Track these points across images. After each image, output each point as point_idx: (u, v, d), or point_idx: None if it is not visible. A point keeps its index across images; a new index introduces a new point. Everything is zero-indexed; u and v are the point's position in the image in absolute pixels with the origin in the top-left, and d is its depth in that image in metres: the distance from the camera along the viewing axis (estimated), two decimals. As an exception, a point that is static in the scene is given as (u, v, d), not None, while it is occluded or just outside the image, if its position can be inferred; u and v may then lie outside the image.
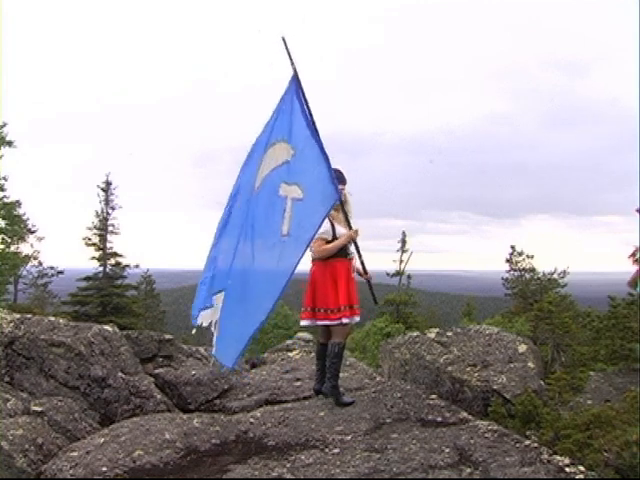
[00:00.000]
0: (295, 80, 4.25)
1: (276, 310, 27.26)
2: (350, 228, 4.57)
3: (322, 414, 4.35)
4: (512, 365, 6.11)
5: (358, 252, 4.55)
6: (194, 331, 4.25)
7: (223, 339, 4.10)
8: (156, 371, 5.97)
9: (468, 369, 6.05)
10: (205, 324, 4.12)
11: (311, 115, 4.25)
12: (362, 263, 4.58)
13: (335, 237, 4.45)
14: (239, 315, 4.08)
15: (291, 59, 4.23)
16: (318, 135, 4.22)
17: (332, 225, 4.46)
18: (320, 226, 4.16)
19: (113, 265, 22.16)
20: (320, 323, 4.50)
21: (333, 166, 4.58)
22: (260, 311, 4.07)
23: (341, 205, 4.53)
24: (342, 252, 4.47)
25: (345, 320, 4.40)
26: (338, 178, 4.56)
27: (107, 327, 5.81)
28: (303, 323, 4.60)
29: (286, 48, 4.21)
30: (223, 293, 4.12)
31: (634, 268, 4.97)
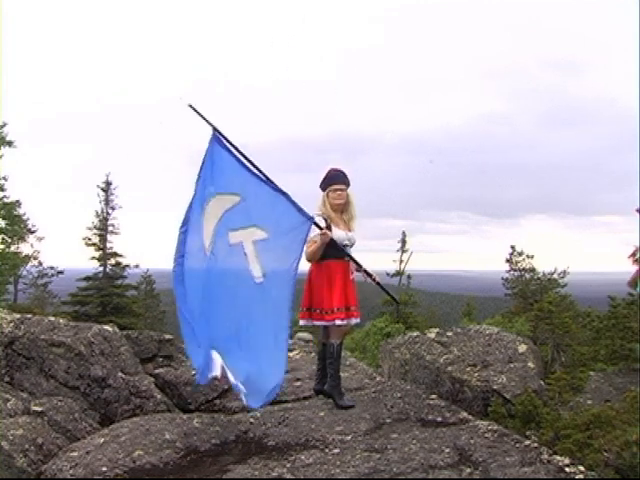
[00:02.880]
0: (216, 137, 4.12)
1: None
2: (350, 230, 4.59)
3: (322, 414, 4.35)
4: (512, 365, 6.11)
5: (350, 257, 4.52)
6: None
7: (251, 383, 3.98)
8: (156, 371, 5.97)
9: (468, 369, 6.06)
10: (218, 374, 4.02)
11: (247, 159, 4.13)
12: (360, 266, 4.57)
13: (332, 239, 4.45)
14: (252, 361, 3.98)
15: (207, 121, 4.13)
16: (263, 174, 4.11)
17: (329, 227, 4.46)
18: (300, 254, 4.06)
19: (113, 265, 22.14)
20: (316, 323, 4.51)
21: (332, 166, 4.59)
22: (279, 350, 3.96)
23: (343, 207, 4.56)
24: (338, 253, 4.46)
25: (338, 322, 4.40)
26: (339, 178, 4.57)
27: (107, 327, 5.81)
28: (301, 322, 4.62)
29: (198, 114, 4.11)
30: (214, 351, 4.00)
31: (634, 268, 4.98)
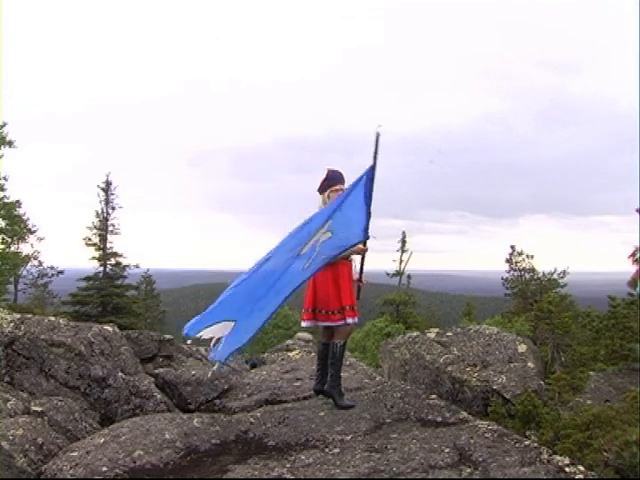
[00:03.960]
0: (368, 175, 4.32)
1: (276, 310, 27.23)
2: None
3: (322, 414, 4.35)
4: (512, 365, 6.12)
5: (362, 262, 4.59)
6: (189, 341, 4.23)
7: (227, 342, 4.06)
8: (156, 371, 5.97)
9: (468, 369, 6.06)
10: (205, 337, 4.06)
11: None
12: (361, 270, 4.59)
13: None
14: (243, 320, 4.06)
15: (375, 157, 4.32)
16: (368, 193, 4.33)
17: None
18: (342, 250, 4.26)
19: (113, 265, 22.16)
20: (322, 324, 4.51)
21: (329, 167, 4.62)
22: (268, 307, 4.10)
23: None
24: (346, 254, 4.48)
25: (349, 320, 4.42)
26: (340, 178, 4.58)
27: (107, 327, 5.82)
28: (304, 324, 4.60)
29: (376, 146, 4.32)
30: (233, 322, 4.06)
31: (634, 268, 4.98)
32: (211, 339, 4.03)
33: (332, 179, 4.58)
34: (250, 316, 4.07)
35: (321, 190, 4.61)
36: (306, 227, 4.24)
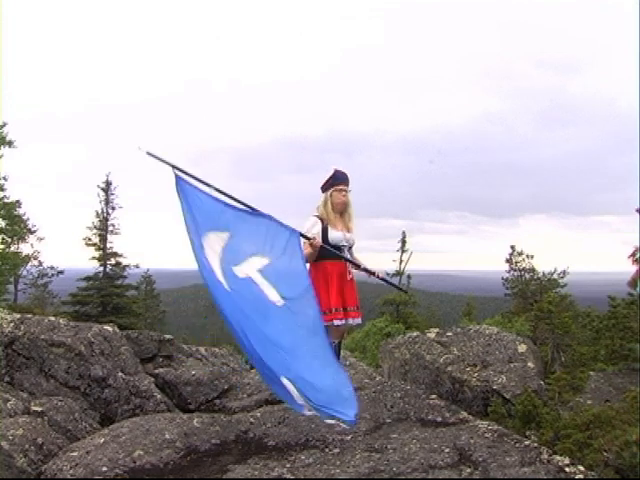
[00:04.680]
0: (179, 179, 4.01)
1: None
2: (348, 231, 4.60)
3: (322, 414, 4.35)
4: (512, 365, 6.12)
5: (345, 258, 4.52)
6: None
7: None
8: (156, 371, 5.97)
9: (468, 369, 6.06)
10: (308, 413, 3.85)
11: (218, 190, 4.10)
12: (358, 266, 4.57)
13: (327, 240, 4.46)
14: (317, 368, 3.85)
15: (166, 162, 4.02)
16: (238, 201, 4.13)
17: (325, 229, 4.46)
18: (305, 264, 4.13)
19: (113, 265, 22.14)
20: None
21: (335, 167, 4.61)
22: (330, 366, 3.89)
23: (344, 207, 4.57)
24: (333, 253, 4.46)
25: (337, 322, 4.41)
26: (344, 178, 4.59)
27: (107, 327, 5.82)
28: None
29: (157, 158, 4.01)
30: (286, 379, 3.77)
31: (634, 268, 4.98)
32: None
33: (336, 179, 4.59)
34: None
35: (324, 189, 4.62)
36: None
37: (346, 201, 4.60)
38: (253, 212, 4.17)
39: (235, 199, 4.16)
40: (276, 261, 4.08)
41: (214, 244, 4.03)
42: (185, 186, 4.02)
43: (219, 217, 4.10)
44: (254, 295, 3.98)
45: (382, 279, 4.68)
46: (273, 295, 3.99)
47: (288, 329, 3.94)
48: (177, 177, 4.01)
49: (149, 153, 3.98)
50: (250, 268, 4.05)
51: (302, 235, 4.30)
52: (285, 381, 3.72)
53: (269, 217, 4.17)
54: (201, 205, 4.05)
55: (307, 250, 4.38)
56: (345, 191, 4.58)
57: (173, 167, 4.01)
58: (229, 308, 3.79)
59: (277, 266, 4.07)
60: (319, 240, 4.40)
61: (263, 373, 3.93)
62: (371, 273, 4.60)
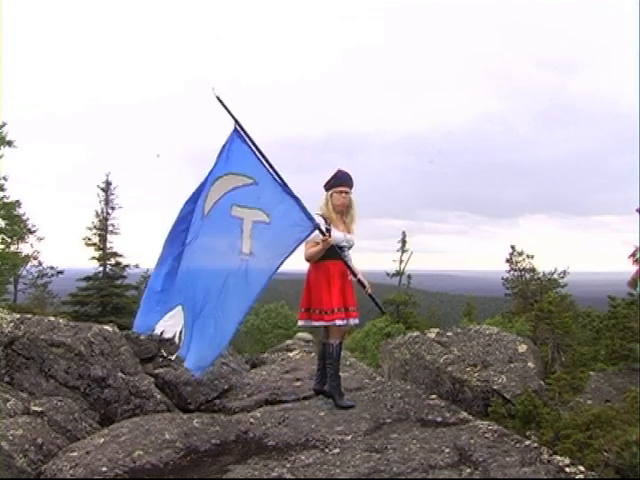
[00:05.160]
0: (237, 132, 4.18)
1: (276, 310, 27.26)
2: (349, 232, 4.59)
3: (322, 414, 4.35)
4: (512, 365, 6.12)
5: (345, 263, 4.49)
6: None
7: (197, 346, 4.07)
8: (156, 371, 5.97)
9: (468, 369, 6.06)
10: (168, 335, 4.13)
11: (266, 159, 4.20)
12: (355, 275, 4.53)
13: None
14: (210, 326, 4.07)
15: (231, 114, 4.16)
16: (279, 176, 4.19)
17: (328, 229, 4.45)
18: (292, 250, 4.13)
19: (113, 265, 22.15)
20: (315, 324, 4.51)
21: (339, 168, 4.60)
22: (231, 324, 4.08)
23: (344, 209, 4.56)
24: (336, 254, 4.44)
25: (339, 322, 4.40)
26: (346, 180, 4.56)
27: (107, 327, 5.81)
28: (299, 323, 4.63)
29: (224, 106, 4.13)
30: (181, 307, 4.09)
31: (634, 268, 4.98)
32: (171, 336, 4.11)
33: (339, 179, 4.56)
34: (208, 320, 4.06)
35: (326, 188, 4.60)
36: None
37: (346, 202, 4.57)
38: (287, 189, 4.20)
39: (276, 172, 4.20)
40: (274, 227, 4.14)
41: (226, 183, 4.17)
42: (236, 138, 4.19)
43: (252, 166, 4.20)
44: (228, 234, 4.14)
45: (369, 295, 4.65)
46: (245, 246, 4.12)
47: (229, 279, 4.11)
48: (235, 130, 4.19)
49: (218, 98, 4.10)
50: (249, 215, 4.15)
51: (319, 229, 4.28)
52: (178, 310, 4.05)
53: (298, 201, 4.20)
54: (241, 155, 4.19)
55: (315, 248, 4.36)
56: (346, 192, 4.55)
57: (236, 121, 4.17)
58: (182, 226, 4.13)
59: (271, 231, 4.14)
60: (332, 239, 4.37)
61: (156, 291, 4.14)
62: (362, 285, 4.58)
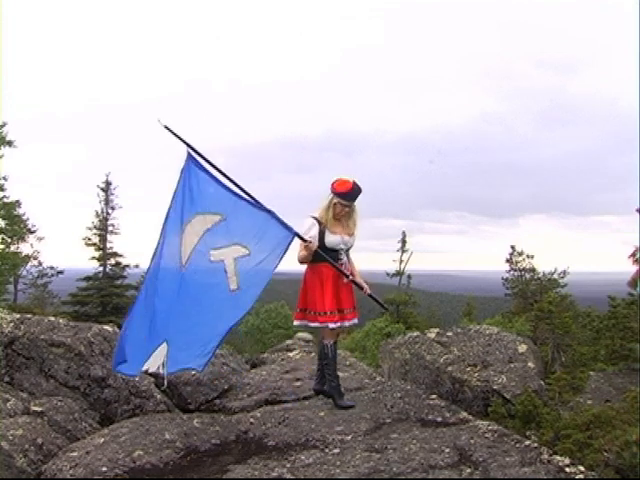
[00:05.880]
0: (191, 157, 4.13)
1: (276, 310, 27.25)
2: (348, 234, 4.58)
3: (322, 414, 4.35)
4: (512, 365, 6.11)
5: (335, 266, 4.45)
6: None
7: (184, 350, 4.12)
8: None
9: (468, 369, 6.06)
10: (152, 370, 4.13)
11: (227, 177, 4.15)
12: (346, 276, 4.50)
13: (323, 243, 4.44)
14: (195, 333, 4.11)
15: (181, 140, 4.12)
16: (244, 192, 4.16)
17: (322, 232, 4.44)
18: (277, 265, 4.15)
19: (113, 265, 22.15)
20: (311, 325, 4.52)
21: (354, 180, 4.52)
22: (215, 333, 4.11)
23: (345, 214, 4.53)
24: (330, 256, 4.42)
25: (331, 325, 4.41)
26: (351, 197, 4.49)
27: (107, 327, 5.81)
28: (295, 323, 4.66)
29: (173, 133, 4.10)
30: (165, 343, 4.06)
31: (634, 268, 4.99)
32: (155, 370, 4.11)
33: (349, 196, 4.48)
34: (188, 334, 4.09)
35: (335, 194, 4.52)
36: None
37: (345, 214, 4.54)
38: (256, 204, 4.19)
39: (242, 189, 4.18)
40: (255, 255, 4.14)
41: (197, 225, 4.14)
42: (192, 166, 4.14)
43: (217, 200, 4.17)
44: (215, 279, 4.13)
45: (369, 295, 4.63)
46: (233, 283, 4.12)
47: (222, 311, 4.13)
48: (189, 155, 4.13)
49: (167, 127, 4.07)
50: (228, 254, 4.14)
51: (298, 236, 4.29)
52: (162, 348, 4.02)
53: (271, 213, 4.19)
54: (201, 186, 4.15)
55: (303, 252, 4.39)
56: (348, 208, 4.52)
57: (187, 145, 4.12)
58: (165, 284, 4.04)
59: (253, 259, 4.14)
60: (315, 243, 4.38)
61: (143, 328, 4.03)
62: (360, 287, 4.57)
